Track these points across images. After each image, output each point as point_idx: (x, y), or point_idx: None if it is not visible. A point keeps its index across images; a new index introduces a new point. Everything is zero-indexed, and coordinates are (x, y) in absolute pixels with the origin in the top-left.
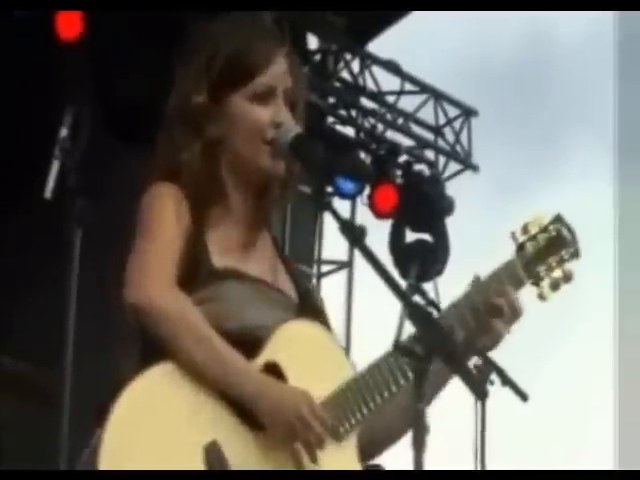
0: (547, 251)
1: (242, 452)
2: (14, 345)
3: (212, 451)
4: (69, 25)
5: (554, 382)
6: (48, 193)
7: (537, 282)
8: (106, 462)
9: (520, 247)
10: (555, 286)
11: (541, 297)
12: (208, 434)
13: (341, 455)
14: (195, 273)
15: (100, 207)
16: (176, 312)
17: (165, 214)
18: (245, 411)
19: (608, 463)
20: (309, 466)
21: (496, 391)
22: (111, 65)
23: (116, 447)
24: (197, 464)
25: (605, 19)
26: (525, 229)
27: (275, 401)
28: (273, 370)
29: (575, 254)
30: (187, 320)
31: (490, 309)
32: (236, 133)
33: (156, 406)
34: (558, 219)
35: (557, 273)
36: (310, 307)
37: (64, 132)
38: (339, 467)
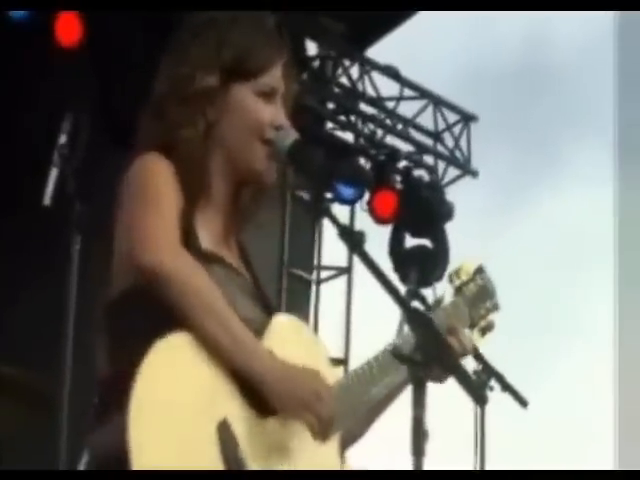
0: (479, 298)
1: (251, 431)
2: (13, 350)
3: (224, 429)
4: (68, 31)
5: (554, 384)
6: (47, 199)
7: (472, 327)
8: (136, 444)
9: (458, 290)
10: (484, 333)
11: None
12: (221, 410)
13: (324, 451)
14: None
15: (98, 213)
16: (187, 277)
17: (164, 183)
18: (254, 390)
19: (608, 463)
20: (318, 443)
21: (497, 397)
22: (110, 71)
23: (144, 429)
24: (211, 441)
25: (605, 22)
26: (458, 274)
27: (287, 377)
28: None
29: (496, 307)
30: (200, 289)
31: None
32: (234, 123)
33: (176, 378)
34: (481, 270)
35: (483, 322)
36: (263, 293)
37: (63, 139)
38: (321, 460)
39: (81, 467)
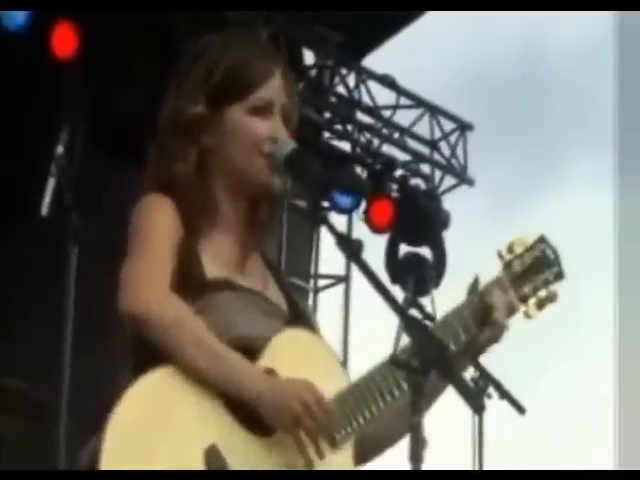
0: (533, 270)
1: (242, 455)
2: (10, 360)
3: (212, 455)
4: (65, 43)
5: (553, 385)
6: (44, 210)
7: (524, 300)
8: (107, 464)
9: (507, 265)
10: (540, 305)
11: (527, 315)
12: (208, 437)
13: (336, 460)
14: (188, 285)
15: (96, 224)
16: (174, 318)
17: (158, 224)
18: (247, 413)
19: (608, 463)
20: (314, 460)
21: (495, 404)
22: (106, 83)
23: (117, 449)
24: (197, 467)
25: (604, 25)
26: (510, 248)
27: (278, 392)
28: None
29: (559, 275)
30: (186, 325)
31: (484, 313)
32: (233, 144)
33: (157, 409)
34: (542, 240)
35: (542, 293)
36: (301, 318)
37: (60, 150)
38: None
39: None
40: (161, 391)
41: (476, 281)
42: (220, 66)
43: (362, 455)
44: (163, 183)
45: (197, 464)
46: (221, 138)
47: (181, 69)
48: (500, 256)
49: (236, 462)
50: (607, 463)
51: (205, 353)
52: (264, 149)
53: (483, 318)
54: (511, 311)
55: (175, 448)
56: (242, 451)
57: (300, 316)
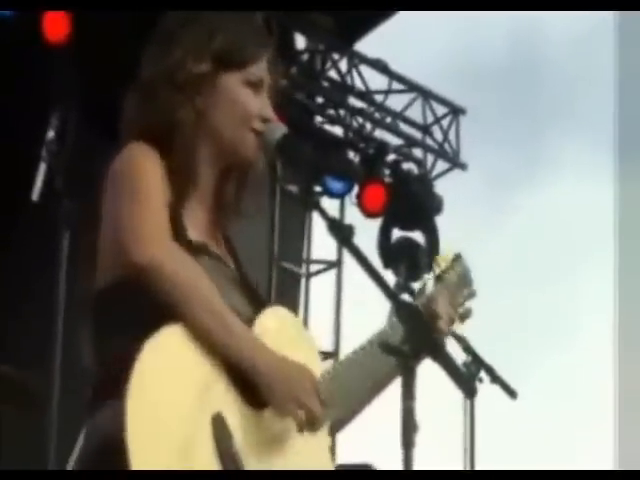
0: (459, 286)
1: (245, 424)
2: (1, 347)
3: (218, 423)
4: (56, 27)
5: (553, 382)
6: (35, 195)
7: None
8: (132, 428)
9: (438, 278)
10: (463, 319)
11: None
12: (216, 403)
13: (314, 439)
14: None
15: (87, 209)
16: (181, 273)
17: (150, 174)
18: (246, 384)
19: (608, 463)
20: (307, 435)
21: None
22: (98, 67)
23: (140, 414)
24: (206, 433)
25: (601, 13)
26: (437, 262)
27: (284, 372)
28: None
29: (473, 294)
30: (192, 282)
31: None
32: (223, 111)
33: (171, 371)
34: (458, 257)
35: (462, 309)
36: (251, 285)
37: (51, 135)
38: (312, 451)
39: (75, 452)
40: (173, 352)
41: (423, 286)
42: (220, 33)
43: (341, 420)
44: (149, 131)
45: (205, 431)
46: (213, 102)
47: (170, 28)
48: (431, 269)
49: (239, 432)
50: (607, 462)
51: (209, 312)
52: (254, 125)
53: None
54: (451, 322)
55: (187, 413)
56: (240, 420)
57: (259, 300)
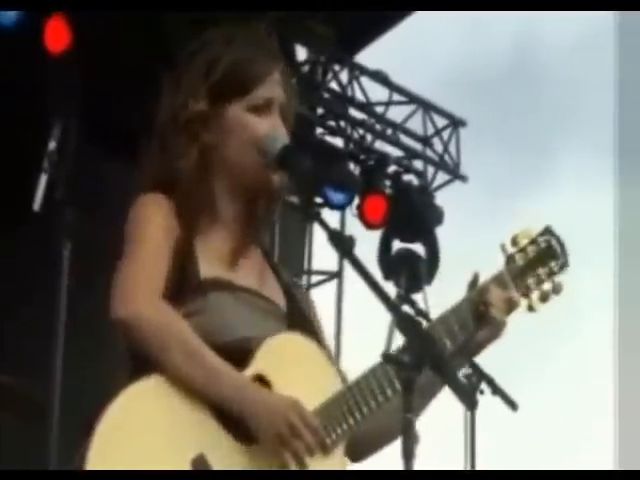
0: (536, 263)
1: (229, 466)
2: (2, 357)
3: (199, 465)
4: (57, 38)
5: (552, 385)
6: (37, 206)
7: (527, 294)
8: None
9: (509, 259)
10: (544, 298)
11: (530, 309)
12: (196, 447)
13: (327, 464)
14: (184, 284)
15: (89, 219)
16: (163, 325)
17: (153, 225)
18: (234, 423)
19: (608, 463)
20: (317, 460)
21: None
22: (99, 78)
23: (104, 455)
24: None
25: (604, 21)
26: (514, 241)
27: (265, 410)
28: (261, 382)
29: (564, 265)
30: (175, 333)
31: (482, 310)
32: (233, 142)
33: (144, 419)
34: (547, 231)
35: (547, 285)
36: (298, 315)
37: (52, 145)
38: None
39: None
40: (150, 398)
41: (476, 278)
42: (221, 63)
43: (356, 453)
44: (162, 180)
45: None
46: (221, 135)
47: (180, 65)
48: (503, 249)
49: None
50: (607, 462)
51: (192, 362)
52: (263, 147)
53: (481, 315)
54: (512, 307)
55: (163, 456)
56: (228, 460)
57: (298, 315)
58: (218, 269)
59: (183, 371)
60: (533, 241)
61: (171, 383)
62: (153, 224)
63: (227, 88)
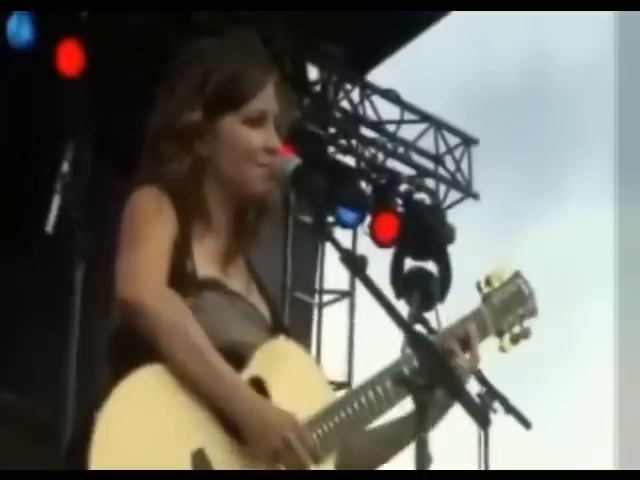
0: (510, 305)
1: (226, 461)
2: (15, 378)
3: (199, 459)
4: (70, 60)
5: (554, 402)
6: (50, 227)
7: (500, 334)
8: (96, 466)
9: (485, 298)
10: (515, 341)
11: (502, 350)
12: (195, 441)
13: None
14: (180, 281)
15: (101, 241)
16: (169, 315)
17: (155, 217)
18: (231, 423)
19: (608, 463)
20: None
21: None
22: (111, 99)
23: (107, 451)
24: (184, 468)
25: (605, 40)
26: (488, 281)
27: (262, 421)
28: (257, 385)
29: (534, 312)
30: (180, 326)
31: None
32: (226, 154)
33: (146, 409)
34: (518, 275)
35: (517, 329)
36: (282, 331)
37: (65, 166)
38: None
39: None
40: (150, 391)
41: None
42: (215, 75)
43: (344, 466)
44: (156, 182)
45: (184, 467)
46: (215, 147)
47: (173, 73)
48: (479, 288)
49: (220, 467)
50: (607, 463)
51: (196, 358)
52: (258, 159)
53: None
54: (475, 361)
55: (163, 450)
56: (226, 457)
57: (281, 329)
58: (213, 270)
59: (186, 367)
60: (505, 283)
61: (170, 374)
62: (156, 216)
63: (222, 100)
